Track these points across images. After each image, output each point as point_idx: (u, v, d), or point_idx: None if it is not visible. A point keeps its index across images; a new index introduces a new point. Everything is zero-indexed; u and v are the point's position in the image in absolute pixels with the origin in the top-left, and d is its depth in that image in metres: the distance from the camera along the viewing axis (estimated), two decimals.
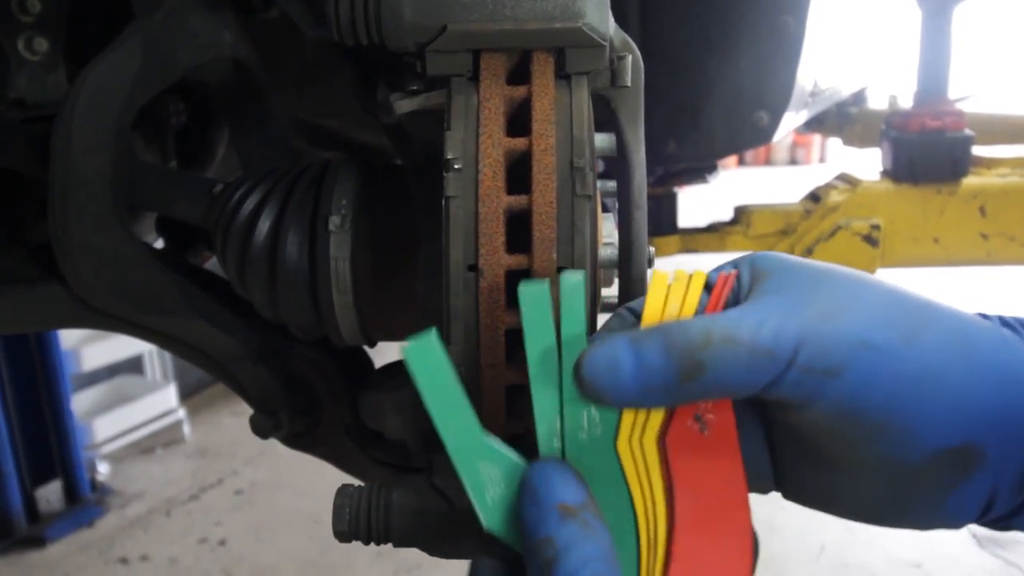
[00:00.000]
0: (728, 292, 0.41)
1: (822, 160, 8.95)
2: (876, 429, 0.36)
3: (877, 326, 0.37)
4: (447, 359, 0.36)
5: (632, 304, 0.43)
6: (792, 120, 1.31)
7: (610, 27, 0.48)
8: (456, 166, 0.45)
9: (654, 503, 0.39)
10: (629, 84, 0.50)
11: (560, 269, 0.45)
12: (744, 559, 0.39)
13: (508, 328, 0.45)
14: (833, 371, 0.36)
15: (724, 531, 0.39)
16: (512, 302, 0.46)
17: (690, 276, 0.41)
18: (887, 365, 0.36)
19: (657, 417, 0.40)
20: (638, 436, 0.40)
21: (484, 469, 0.38)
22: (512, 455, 0.39)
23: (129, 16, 0.65)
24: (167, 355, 3.43)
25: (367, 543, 0.48)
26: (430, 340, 0.36)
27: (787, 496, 0.43)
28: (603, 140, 0.51)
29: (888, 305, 0.38)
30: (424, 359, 0.36)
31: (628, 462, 0.40)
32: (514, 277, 0.45)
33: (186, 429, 3.37)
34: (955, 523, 0.39)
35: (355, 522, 0.47)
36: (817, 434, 0.38)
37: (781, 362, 0.36)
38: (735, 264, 0.43)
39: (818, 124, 2.43)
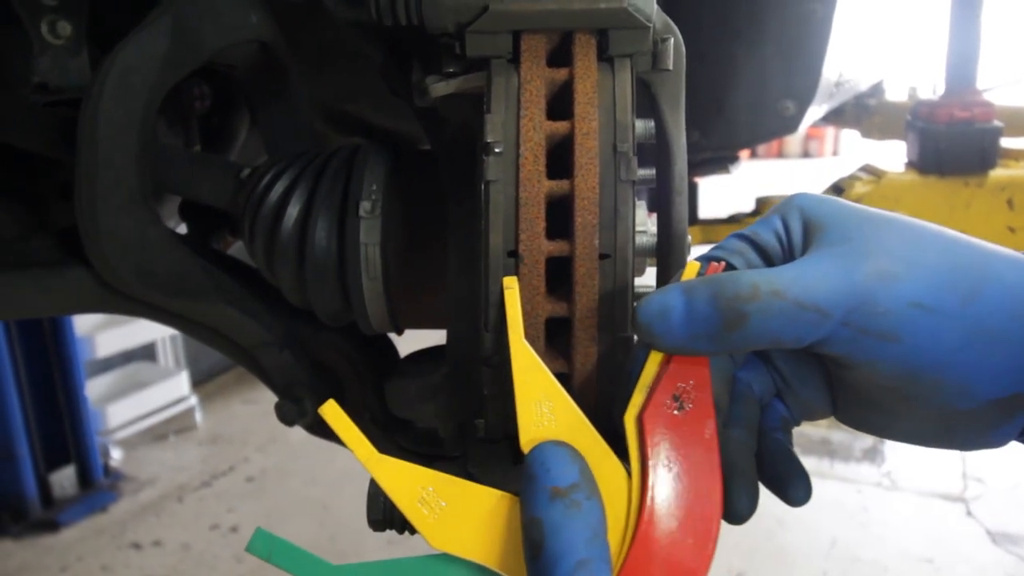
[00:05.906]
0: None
1: (835, 153, 8.88)
2: (932, 386, 0.38)
3: (936, 288, 0.38)
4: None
5: None
6: (816, 111, 1.29)
7: (653, 8, 0.47)
8: (496, 149, 0.44)
9: (630, 480, 0.40)
10: (671, 68, 0.49)
11: (603, 256, 0.44)
12: (705, 547, 0.38)
13: (548, 316, 0.44)
14: (890, 335, 0.37)
15: (691, 515, 0.39)
16: (552, 289, 0.45)
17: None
18: (945, 327, 0.37)
19: (640, 395, 0.40)
20: (621, 411, 0.40)
21: None
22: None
23: (152, 1, 0.64)
24: (180, 342, 3.44)
25: (401, 532, 0.47)
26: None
27: (843, 423, 0.45)
28: (638, 126, 0.50)
29: (948, 264, 0.38)
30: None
31: (628, 437, 0.40)
32: (554, 263, 0.45)
33: (198, 416, 3.39)
34: (997, 446, 0.42)
35: (389, 511, 0.47)
36: (874, 390, 0.40)
37: (832, 319, 0.37)
38: (776, 210, 0.43)
39: (836, 116, 2.39)
